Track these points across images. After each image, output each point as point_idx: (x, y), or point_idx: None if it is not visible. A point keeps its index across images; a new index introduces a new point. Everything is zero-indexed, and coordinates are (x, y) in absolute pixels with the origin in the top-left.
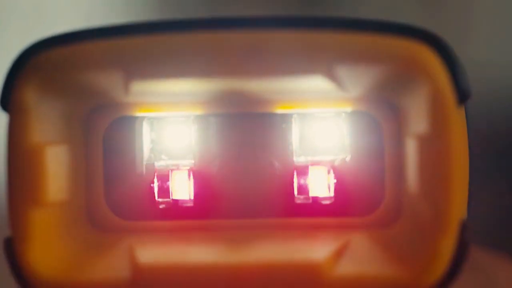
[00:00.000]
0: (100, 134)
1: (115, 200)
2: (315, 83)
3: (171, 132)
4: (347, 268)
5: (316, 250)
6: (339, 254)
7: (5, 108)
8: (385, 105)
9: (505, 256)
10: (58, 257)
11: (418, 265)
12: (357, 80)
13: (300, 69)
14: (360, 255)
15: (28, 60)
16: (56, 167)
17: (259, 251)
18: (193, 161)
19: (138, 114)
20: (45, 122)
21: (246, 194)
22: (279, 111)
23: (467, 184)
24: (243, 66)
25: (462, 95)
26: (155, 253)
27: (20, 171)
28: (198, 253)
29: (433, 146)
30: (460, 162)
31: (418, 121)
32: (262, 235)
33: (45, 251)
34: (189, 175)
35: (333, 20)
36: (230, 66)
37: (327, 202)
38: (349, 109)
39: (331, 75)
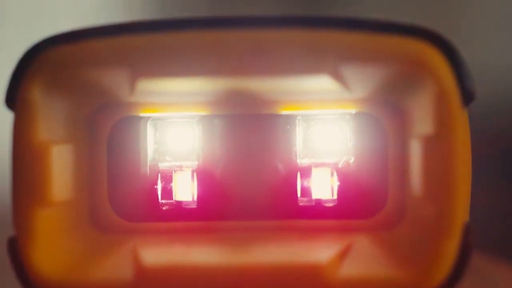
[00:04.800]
0: (105, 134)
1: (118, 201)
2: (320, 84)
3: (175, 133)
4: (350, 270)
5: (319, 252)
6: (342, 256)
7: (11, 106)
8: (389, 107)
9: (504, 261)
10: (62, 257)
11: (421, 267)
12: (363, 81)
13: (306, 68)
14: (363, 257)
15: (35, 58)
16: (61, 166)
17: (262, 253)
18: (197, 162)
19: (143, 114)
20: (51, 120)
21: (250, 195)
22: (283, 112)
23: (469, 187)
24: (249, 65)
25: (467, 97)
26: (159, 254)
27: (25, 170)
28: (201, 254)
29: (438, 148)
30: (464, 165)
31: (422, 123)
32: (265, 237)
33: (49, 250)
34: (192, 176)
35: (339, 19)
36: (236, 65)
37: (331, 204)
38: (353, 110)
39: (336, 75)
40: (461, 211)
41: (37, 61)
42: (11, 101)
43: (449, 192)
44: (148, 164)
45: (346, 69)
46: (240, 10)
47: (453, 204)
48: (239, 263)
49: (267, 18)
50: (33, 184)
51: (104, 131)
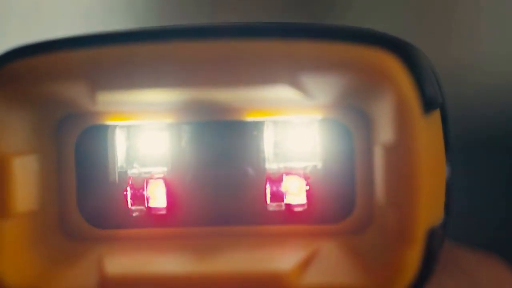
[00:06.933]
0: (72, 143)
1: (88, 209)
2: (282, 93)
3: (144, 139)
4: (313, 278)
5: (284, 260)
6: (306, 263)
7: None
8: (354, 113)
9: (491, 256)
10: (27, 267)
11: (384, 275)
12: (323, 89)
13: (264, 78)
14: (327, 264)
15: None
16: (25, 178)
17: (226, 261)
18: (166, 169)
19: (110, 122)
20: (13, 132)
21: (219, 201)
22: (250, 119)
23: (441, 187)
24: (207, 76)
25: (428, 104)
26: (124, 263)
27: None
28: (166, 263)
29: (399, 155)
30: (427, 171)
31: (385, 130)
32: (233, 243)
33: (15, 261)
34: (162, 183)
35: (296, 29)
36: (196, 77)
37: (299, 209)
38: (319, 116)
39: (295, 85)
40: (423, 217)
41: None
42: None
43: (410, 199)
44: (117, 171)
45: (304, 78)
46: (239, 14)
47: (415, 212)
48: (202, 272)
49: (224, 28)
50: None
51: (71, 140)
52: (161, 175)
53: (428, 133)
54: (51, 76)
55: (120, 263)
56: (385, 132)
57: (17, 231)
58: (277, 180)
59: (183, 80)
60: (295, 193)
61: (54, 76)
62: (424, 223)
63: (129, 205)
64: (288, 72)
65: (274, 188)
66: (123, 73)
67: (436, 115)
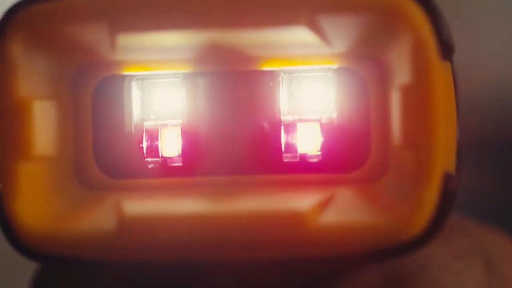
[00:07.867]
0: (89, 93)
1: (104, 159)
2: (299, 36)
3: (160, 91)
4: (331, 217)
5: (301, 201)
6: (324, 204)
7: None
8: (370, 61)
9: (498, 229)
10: (45, 210)
11: (402, 214)
12: (340, 33)
13: (282, 19)
14: (345, 206)
15: (14, 15)
16: (43, 122)
17: (244, 203)
18: (181, 120)
19: (126, 72)
20: (32, 77)
21: (234, 152)
22: (266, 68)
23: (453, 137)
24: (226, 17)
25: (445, 48)
26: (141, 205)
27: (7, 124)
28: (184, 205)
29: (416, 96)
30: (444, 113)
31: (401, 73)
32: (249, 190)
33: (33, 203)
34: (177, 134)
35: None
36: (214, 17)
37: (315, 159)
38: (334, 65)
39: (313, 26)
40: (440, 158)
41: (17, 18)
42: None
43: (427, 139)
44: (133, 122)
45: (323, 20)
46: None
47: (432, 151)
48: (221, 212)
49: None
50: (14, 138)
51: (88, 89)
52: (177, 126)
53: (444, 79)
54: (69, 18)
55: (138, 205)
56: (402, 75)
57: (35, 174)
58: (292, 130)
59: (201, 21)
60: (310, 144)
61: (73, 19)
62: (441, 163)
63: (145, 157)
64: (306, 13)
65: (290, 139)
66: (141, 14)
67: (449, 68)
